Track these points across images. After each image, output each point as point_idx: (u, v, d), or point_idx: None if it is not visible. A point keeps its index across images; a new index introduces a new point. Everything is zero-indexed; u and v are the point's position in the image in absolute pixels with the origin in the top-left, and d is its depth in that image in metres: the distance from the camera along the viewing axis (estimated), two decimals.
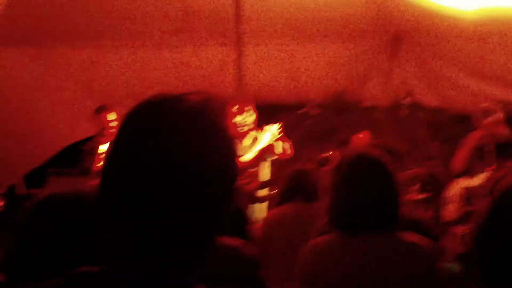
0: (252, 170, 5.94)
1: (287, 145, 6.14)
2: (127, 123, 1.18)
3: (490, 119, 6.25)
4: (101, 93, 8.20)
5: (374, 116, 9.10)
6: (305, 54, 8.54)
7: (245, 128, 6.10)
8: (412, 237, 2.72)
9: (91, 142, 6.80)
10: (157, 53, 8.16)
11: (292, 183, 4.44)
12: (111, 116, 6.69)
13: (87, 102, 7.96)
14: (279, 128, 6.05)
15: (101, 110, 6.75)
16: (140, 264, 1.12)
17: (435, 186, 6.39)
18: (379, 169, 2.71)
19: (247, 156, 5.94)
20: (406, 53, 8.77)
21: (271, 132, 6.01)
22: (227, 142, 1.20)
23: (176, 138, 1.13)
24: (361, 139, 7.33)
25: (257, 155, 5.95)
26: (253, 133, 6.20)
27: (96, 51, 8.04)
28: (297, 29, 8.02)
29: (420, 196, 6.79)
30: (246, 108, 6.14)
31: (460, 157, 6.31)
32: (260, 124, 6.40)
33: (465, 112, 8.54)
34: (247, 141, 6.16)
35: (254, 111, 6.20)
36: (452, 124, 8.76)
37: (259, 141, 6.07)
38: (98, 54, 8.07)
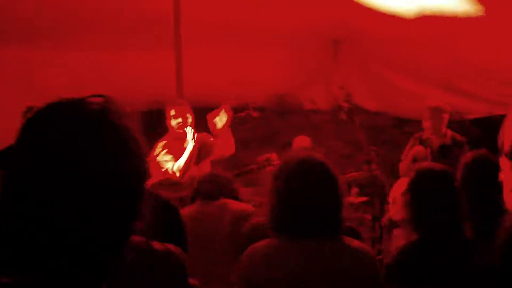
0: (194, 173, 5.90)
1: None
2: (28, 127, 1.19)
3: (435, 120, 6.44)
4: (41, 95, 7.99)
5: (315, 119, 9.15)
6: (246, 57, 8.52)
7: (187, 130, 6.10)
8: (353, 241, 2.71)
9: None
10: (97, 56, 8.02)
11: (197, 185, 4.43)
12: None
13: (27, 103, 7.75)
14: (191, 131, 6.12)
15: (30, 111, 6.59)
16: (50, 269, 1.10)
17: (374, 189, 6.45)
18: (323, 173, 2.68)
19: (180, 161, 5.98)
20: (346, 57, 8.85)
21: (190, 135, 6.09)
22: (127, 143, 1.20)
23: (76, 142, 1.13)
24: (302, 141, 7.36)
25: (187, 159, 5.99)
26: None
27: (36, 53, 7.86)
28: (238, 33, 8.00)
29: (359, 200, 6.85)
30: (185, 111, 6.16)
31: (406, 160, 6.47)
32: (200, 126, 6.36)
33: (405, 116, 8.69)
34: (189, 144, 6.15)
35: (191, 114, 6.21)
36: (391, 128, 8.89)
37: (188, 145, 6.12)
38: (38, 55, 7.89)
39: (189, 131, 6.11)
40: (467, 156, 3.72)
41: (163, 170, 5.92)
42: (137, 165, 1.21)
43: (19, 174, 1.12)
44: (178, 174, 5.91)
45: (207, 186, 4.24)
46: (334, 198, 2.67)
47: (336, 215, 2.67)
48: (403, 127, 8.80)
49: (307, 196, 2.61)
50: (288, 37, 8.43)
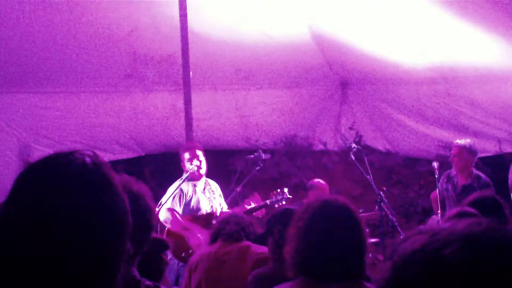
0: None
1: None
2: (19, 183, 1.22)
3: (461, 159, 6.41)
4: (50, 139, 8.11)
5: (324, 160, 9.16)
6: (254, 99, 8.59)
7: (201, 171, 6.13)
8: (372, 286, 2.69)
9: None
10: (106, 98, 8.10)
11: (218, 225, 4.41)
12: None
13: (37, 147, 7.88)
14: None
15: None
16: None
17: (385, 229, 6.41)
18: (347, 216, 2.68)
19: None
20: (355, 98, 8.90)
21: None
22: (113, 196, 1.25)
23: (64, 197, 1.18)
24: (319, 184, 7.36)
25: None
26: (204, 178, 6.20)
27: (45, 97, 7.95)
28: (246, 75, 8.08)
29: (371, 240, 6.79)
30: (197, 153, 6.18)
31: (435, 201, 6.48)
32: (211, 169, 6.38)
33: (415, 155, 8.69)
34: (200, 185, 6.15)
35: (204, 156, 6.24)
36: (402, 167, 8.87)
37: (214, 188, 6.17)
38: (47, 100, 7.98)
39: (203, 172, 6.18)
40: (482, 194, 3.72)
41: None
42: (121, 212, 1.26)
43: (15, 228, 1.17)
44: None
45: (230, 227, 4.21)
46: (358, 242, 2.66)
47: (359, 259, 2.66)
48: (413, 167, 8.78)
49: (332, 239, 2.59)
50: (296, 79, 8.51)
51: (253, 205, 6.31)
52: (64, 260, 1.15)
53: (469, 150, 6.39)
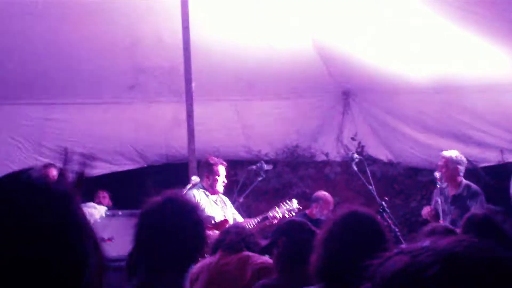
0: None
1: None
2: None
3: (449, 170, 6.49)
4: (52, 151, 8.12)
5: (327, 170, 9.16)
6: (256, 110, 8.61)
7: (220, 189, 6.18)
8: None
9: None
10: (109, 110, 8.12)
11: (219, 236, 4.42)
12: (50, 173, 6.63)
13: (40, 159, 7.91)
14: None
15: (48, 166, 6.69)
16: None
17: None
18: (372, 226, 2.72)
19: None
20: (356, 108, 8.91)
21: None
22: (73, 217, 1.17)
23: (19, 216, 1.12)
24: (324, 196, 7.39)
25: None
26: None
27: (48, 108, 7.98)
28: (249, 85, 8.10)
29: None
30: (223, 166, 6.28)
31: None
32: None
33: (418, 166, 8.69)
34: (212, 196, 6.17)
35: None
36: (404, 177, 8.87)
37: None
38: (50, 111, 8.01)
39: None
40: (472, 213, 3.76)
41: None
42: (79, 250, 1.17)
43: None
44: None
45: (231, 238, 4.21)
46: (382, 250, 2.68)
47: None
48: (415, 177, 8.78)
49: (357, 247, 2.61)
50: (298, 90, 8.53)
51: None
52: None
53: (454, 160, 6.54)
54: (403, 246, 1.02)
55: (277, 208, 6.35)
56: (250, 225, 5.96)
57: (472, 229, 3.48)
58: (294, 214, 6.35)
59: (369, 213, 2.79)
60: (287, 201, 6.46)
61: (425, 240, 1.01)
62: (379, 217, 2.83)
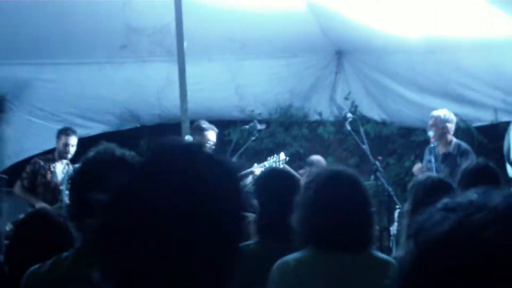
0: None
1: None
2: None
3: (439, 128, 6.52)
4: (44, 111, 8.10)
5: (320, 130, 9.15)
6: (249, 69, 8.55)
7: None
8: (379, 254, 2.72)
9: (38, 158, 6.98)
10: (100, 70, 8.06)
11: None
12: (70, 140, 6.73)
13: (31, 119, 7.89)
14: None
15: (61, 132, 6.78)
16: None
17: (380, 199, 6.44)
18: (356, 187, 2.70)
19: None
20: (350, 68, 8.86)
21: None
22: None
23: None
24: (318, 161, 7.39)
25: None
26: None
27: (39, 68, 7.91)
28: (241, 45, 8.03)
29: None
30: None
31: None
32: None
33: (411, 125, 8.69)
34: None
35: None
36: (397, 137, 8.87)
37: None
38: (40, 71, 7.94)
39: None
40: (467, 165, 3.76)
41: None
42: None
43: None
44: None
45: None
46: (366, 212, 2.68)
47: (368, 229, 2.67)
48: (409, 137, 8.78)
49: (341, 209, 2.60)
50: (291, 50, 8.47)
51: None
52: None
53: (443, 119, 6.60)
54: (446, 200, 0.90)
55: (265, 162, 6.42)
56: None
57: (474, 178, 3.48)
58: (281, 165, 6.39)
59: (350, 173, 2.76)
60: (275, 155, 6.53)
61: (467, 192, 0.89)
62: (359, 176, 2.79)
